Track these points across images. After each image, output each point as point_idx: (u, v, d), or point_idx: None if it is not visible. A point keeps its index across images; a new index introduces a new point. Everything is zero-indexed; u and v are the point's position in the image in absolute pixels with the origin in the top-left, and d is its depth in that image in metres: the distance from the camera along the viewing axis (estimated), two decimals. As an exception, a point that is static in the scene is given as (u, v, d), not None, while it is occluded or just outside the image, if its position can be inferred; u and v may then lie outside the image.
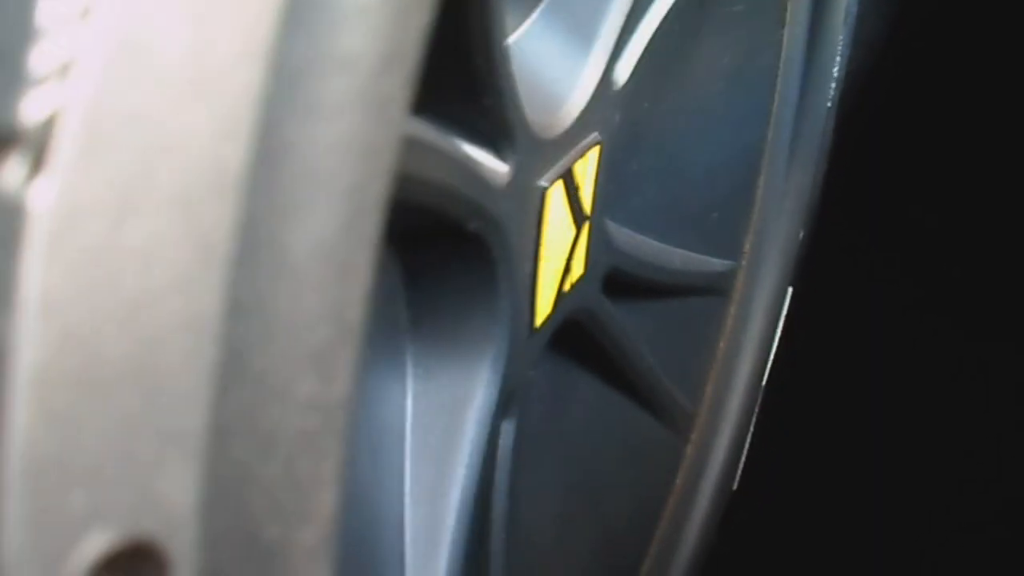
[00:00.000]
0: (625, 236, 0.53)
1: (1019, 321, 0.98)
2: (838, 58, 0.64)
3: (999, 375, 0.94)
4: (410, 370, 0.38)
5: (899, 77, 1.01)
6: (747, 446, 0.67)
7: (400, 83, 0.21)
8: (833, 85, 0.65)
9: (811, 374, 0.86)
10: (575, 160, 0.41)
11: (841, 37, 0.63)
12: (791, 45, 0.59)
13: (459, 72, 0.30)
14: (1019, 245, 1.01)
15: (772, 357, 0.69)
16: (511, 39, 0.39)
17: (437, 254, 0.35)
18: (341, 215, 0.17)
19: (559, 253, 0.42)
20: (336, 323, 0.18)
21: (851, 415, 0.90)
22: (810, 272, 0.74)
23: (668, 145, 0.56)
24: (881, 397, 0.92)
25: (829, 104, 0.66)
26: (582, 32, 0.41)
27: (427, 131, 0.28)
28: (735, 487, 0.67)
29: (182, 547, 0.15)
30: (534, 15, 0.40)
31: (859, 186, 0.95)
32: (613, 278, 0.51)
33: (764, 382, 0.68)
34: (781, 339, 0.70)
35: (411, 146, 0.28)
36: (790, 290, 0.70)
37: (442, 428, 0.38)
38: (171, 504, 0.15)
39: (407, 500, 0.38)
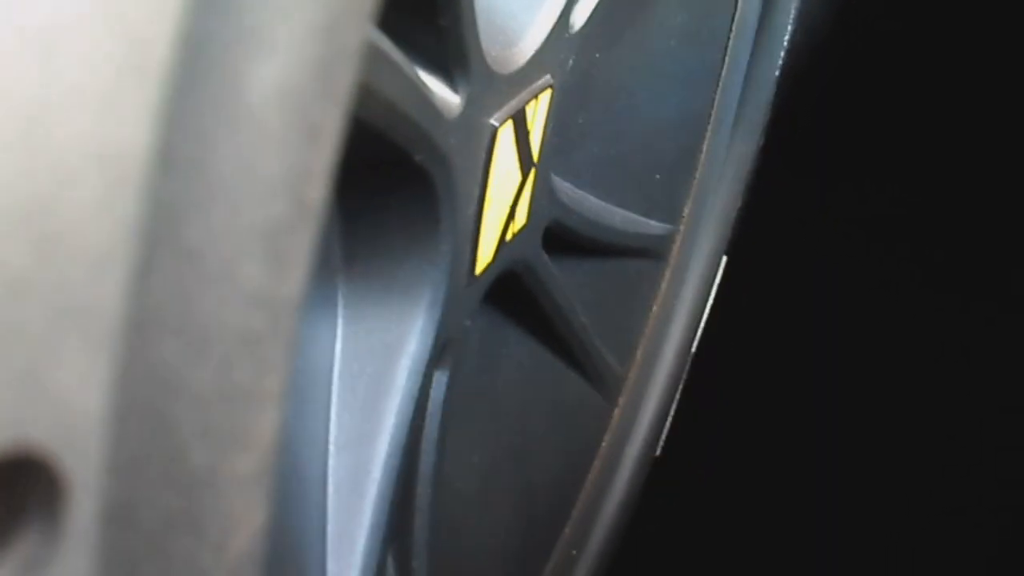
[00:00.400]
0: (568, 190, 0.52)
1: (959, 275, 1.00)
2: (790, 27, 0.63)
3: (929, 330, 0.95)
4: (340, 311, 0.36)
5: (842, 50, 1.02)
6: (672, 413, 0.66)
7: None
8: (783, 54, 0.64)
9: (738, 345, 0.87)
10: (527, 101, 0.39)
11: (794, 6, 0.62)
12: (745, 8, 0.58)
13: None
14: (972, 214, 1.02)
15: (703, 325, 0.68)
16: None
17: (378, 186, 0.33)
18: (311, 57, 0.14)
19: (504, 199, 0.40)
20: (294, 198, 0.15)
21: (779, 388, 0.91)
22: (746, 243, 0.73)
23: (616, 101, 0.55)
24: (812, 368, 0.93)
25: (777, 73, 0.65)
26: (541, -33, 0.39)
27: (383, 41, 0.26)
28: (658, 453, 0.67)
29: (82, 465, 0.12)
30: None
31: (801, 160, 0.96)
32: (553, 232, 0.49)
33: (694, 350, 0.68)
34: (712, 309, 0.69)
35: (368, 53, 0.26)
36: (724, 259, 0.69)
37: (372, 374, 0.36)
38: (68, 407, 0.11)
39: (331, 448, 0.36)
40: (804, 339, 0.94)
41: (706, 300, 0.67)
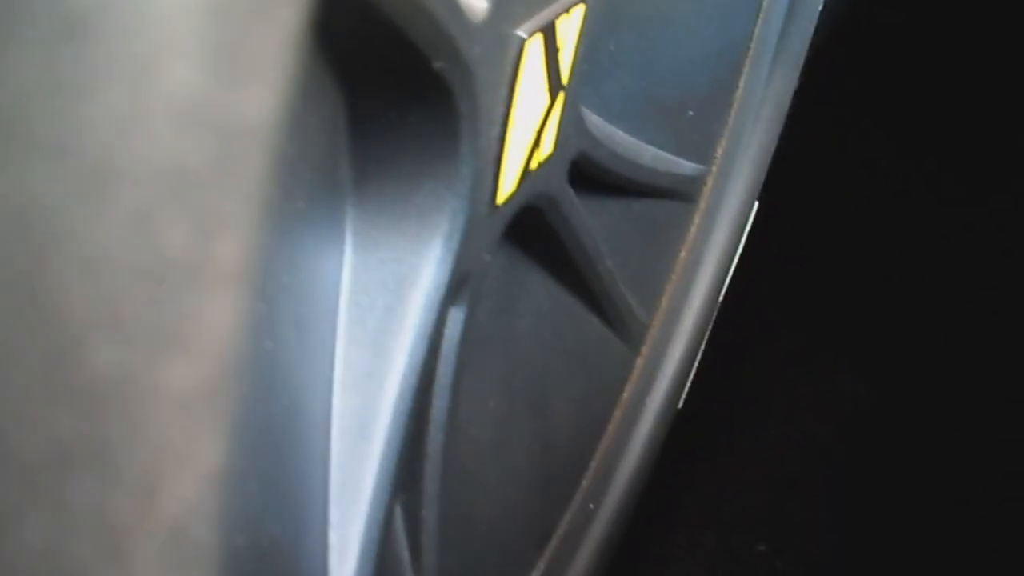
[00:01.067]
0: (597, 122, 0.48)
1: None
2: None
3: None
4: (349, 238, 0.33)
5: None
6: (696, 364, 0.63)
7: None
8: (826, -14, 0.60)
9: (768, 292, 0.83)
10: (558, 14, 0.35)
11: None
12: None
13: None
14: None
15: (732, 273, 0.65)
16: None
17: (393, 97, 0.30)
18: None
19: (530, 122, 0.36)
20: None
21: (809, 338, 0.88)
22: (778, 189, 0.70)
23: (650, 28, 0.51)
24: (840, 319, 0.90)
25: (820, 7, 0.61)
26: None
27: None
28: (681, 406, 0.64)
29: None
30: None
31: (835, 100, 0.91)
32: (580, 166, 0.46)
33: (721, 298, 0.65)
34: (742, 257, 0.66)
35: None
36: (756, 204, 0.66)
37: (382, 308, 0.33)
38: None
39: (336, 388, 0.33)
40: (834, 288, 0.91)
41: (736, 246, 0.64)
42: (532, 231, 0.45)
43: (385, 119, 0.31)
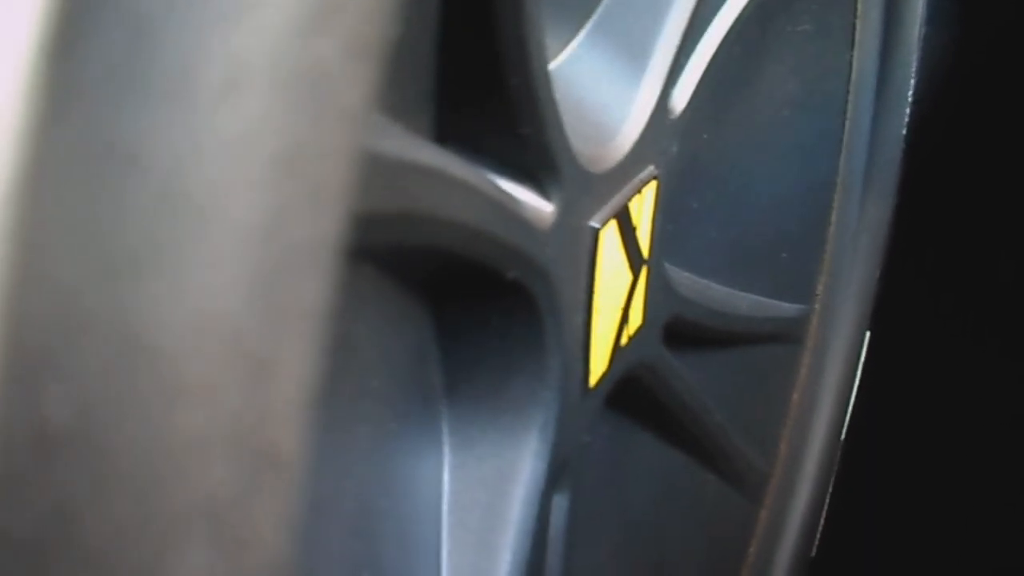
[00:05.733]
0: (687, 281, 0.48)
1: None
2: (912, 80, 0.59)
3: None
4: (447, 439, 0.34)
5: (968, 100, 0.95)
6: (826, 508, 0.60)
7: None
8: (908, 110, 0.60)
9: (893, 425, 0.80)
10: (630, 197, 0.36)
11: (915, 58, 0.58)
12: (862, 68, 0.54)
13: (492, 96, 0.26)
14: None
15: (851, 409, 0.63)
16: (555, 62, 0.34)
17: (474, 306, 0.31)
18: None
19: (615, 302, 0.37)
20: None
21: (939, 468, 0.83)
22: (888, 314, 0.68)
23: (731, 179, 0.51)
24: (972, 449, 0.85)
25: (904, 131, 0.61)
26: (634, 54, 0.37)
27: (452, 163, 0.24)
28: (814, 554, 0.61)
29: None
30: (581, 34, 0.35)
31: (934, 218, 0.89)
32: (675, 327, 0.46)
33: (843, 437, 0.62)
34: (859, 389, 0.64)
35: (432, 179, 0.24)
36: (868, 335, 0.64)
37: (484, 506, 0.33)
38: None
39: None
40: (961, 414, 0.86)
41: (852, 382, 0.62)
42: (633, 398, 0.45)
43: (469, 323, 0.31)
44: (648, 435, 0.49)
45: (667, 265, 0.44)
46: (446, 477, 0.34)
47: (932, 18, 0.86)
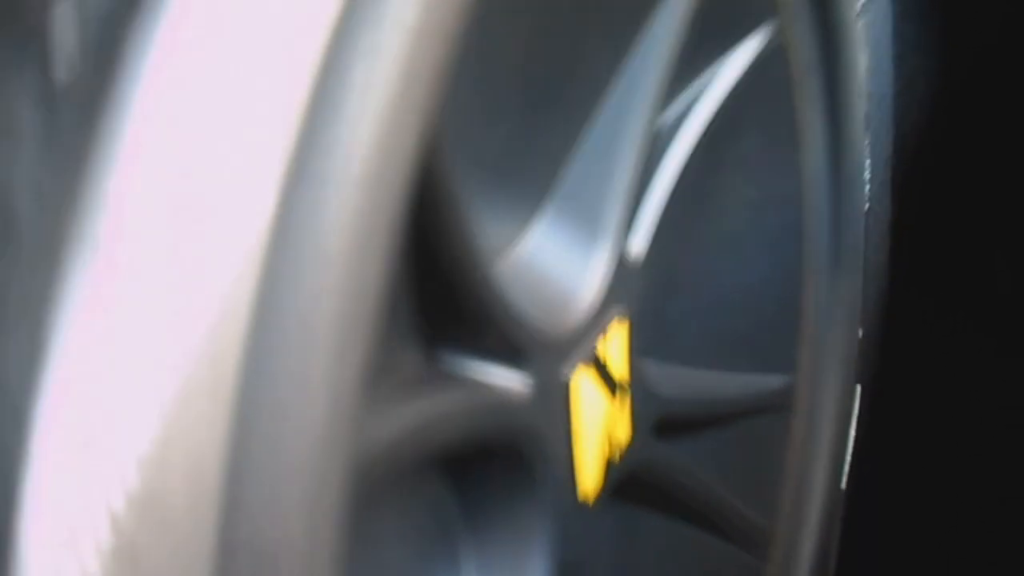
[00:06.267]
0: (673, 377, 0.55)
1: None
2: (867, 161, 0.65)
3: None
4: (469, 562, 0.41)
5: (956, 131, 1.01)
6: (834, 556, 0.66)
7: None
8: (867, 188, 0.66)
9: (895, 466, 0.85)
10: (598, 340, 0.43)
11: (866, 144, 0.64)
12: (813, 165, 0.60)
13: (453, 306, 0.33)
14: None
15: (849, 459, 0.69)
16: (518, 244, 0.42)
17: (475, 463, 0.38)
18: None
19: (598, 426, 0.44)
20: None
21: (945, 505, 0.88)
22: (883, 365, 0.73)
23: (704, 279, 0.58)
24: (977, 482, 0.90)
25: (867, 205, 0.67)
26: (590, 218, 0.44)
27: (445, 362, 0.31)
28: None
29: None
30: (541, 215, 0.43)
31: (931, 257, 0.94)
32: (666, 423, 0.52)
33: (843, 485, 0.68)
34: (860, 438, 0.70)
35: (431, 378, 0.31)
36: (859, 389, 0.70)
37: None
38: None
39: None
40: (961, 455, 0.91)
41: (846, 436, 0.68)
42: (635, 491, 0.52)
43: (473, 483, 0.39)
44: (653, 517, 0.55)
45: (653, 365, 0.51)
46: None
47: (917, 46, 0.93)
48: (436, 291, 0.32)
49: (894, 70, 0.73)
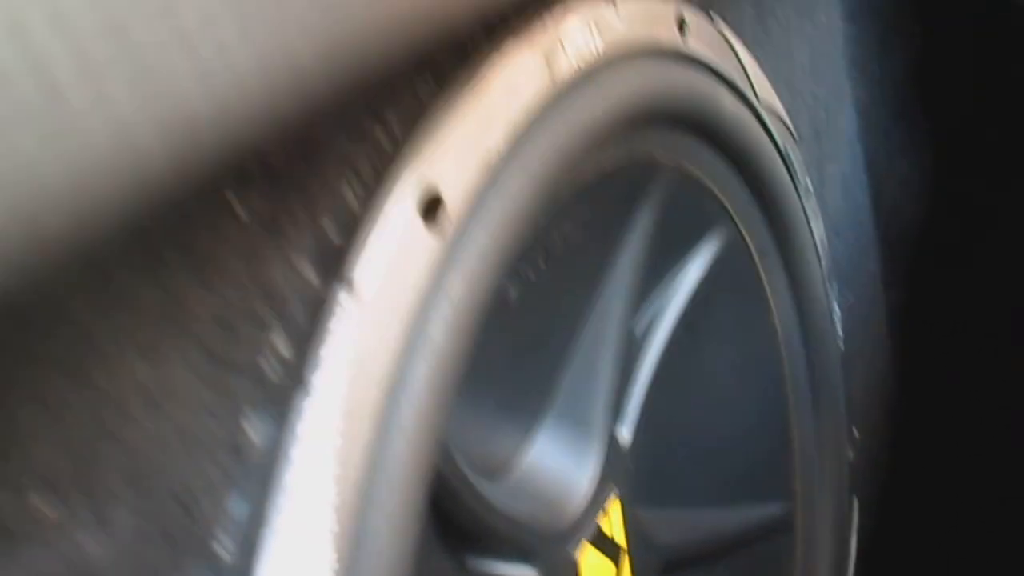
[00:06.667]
0: (676, 523, 0.64)
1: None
2: (836, 310, 0.74)
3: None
4: None
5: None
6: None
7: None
8: (839, 328, 0.75)
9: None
10: (598, 519, 0.53)
11: (831, 298, 0.74)
12: (785, 324, 0.70)
13: (472, 528, 0.43)
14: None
15: (853, 567, 0.77)
16: (525, 454, 0.52)
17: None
18: None
19: (605, 591, 0.53)
20: None
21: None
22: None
23: (695, 434, 0.67)
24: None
25: (840, 341, 0.76)
26: (581, 420, 0.54)
27: (470, 565, 0.41)
28: None
29: None
30: (541, 424, 0.53)
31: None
32: (671, 564, 0.61)
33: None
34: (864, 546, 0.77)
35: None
36: (856, 503, 0.78)
37: None
38: None
39: None
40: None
41: (847, 548, 0.76)
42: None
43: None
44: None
45: (655, 515, 0.60)
46: None
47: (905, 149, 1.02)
48: (460, 522, 0.42)
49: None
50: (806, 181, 0.68)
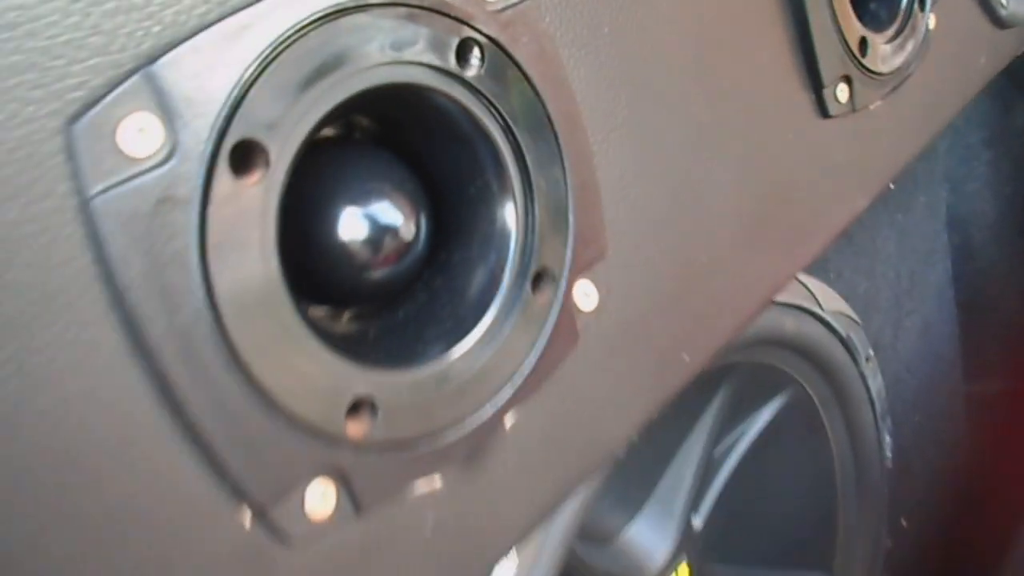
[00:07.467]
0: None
1: None
2: (887, 439, 0.99)
3: None
4: None
5: None
6: None
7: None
8: (888, 450, 1.00)
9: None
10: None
11: (882, 430, 0.98)
12: (840, 450, 0.96)
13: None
14: None
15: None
16: (625, 531, 0.81)
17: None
18: None
19: (670, 622, 0.83)
20: None
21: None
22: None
23: (757, 520, 0.95)
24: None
25: (888, 461, 1.01)
26: (669, 509, 0.83)
27: None
28: None
29: None
30: (638, 514, 0.82)
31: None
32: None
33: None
34: None
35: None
36: (886, 577, 1.03)
37: None
38: None
39: None
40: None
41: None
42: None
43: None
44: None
45: (715, 570, 0.89)
46: None
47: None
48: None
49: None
50: (867, 352, 0.93)
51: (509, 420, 0.38)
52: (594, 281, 0.40)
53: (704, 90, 0.47)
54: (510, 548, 0.40)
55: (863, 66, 0.58)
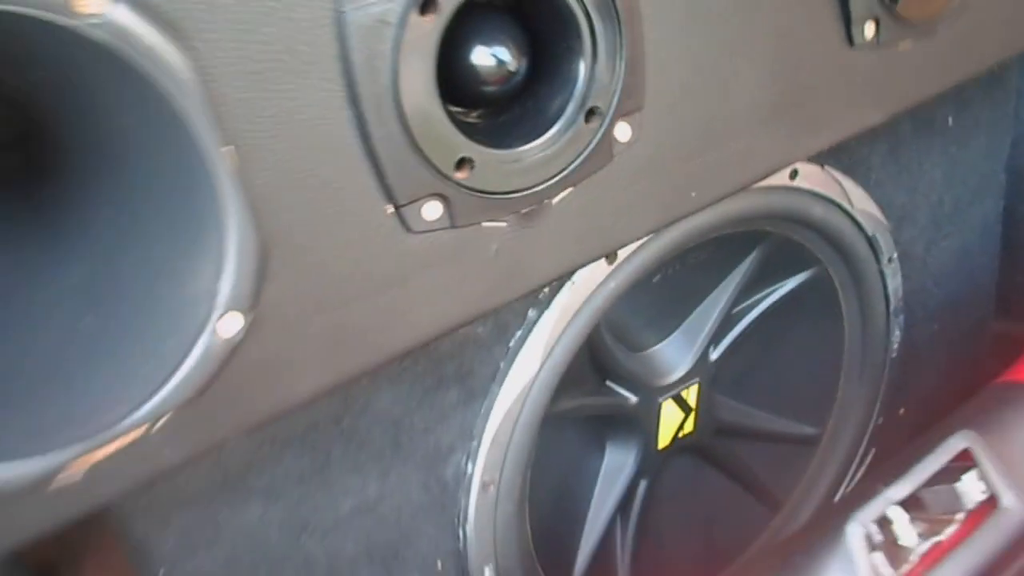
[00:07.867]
0: (733, 410, 1.14)
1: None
2: (896, 332, 1.17)
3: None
4: (605, 458, 1.05)
5: None
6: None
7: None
8: (897, 339, 1.18)
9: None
10: (682, 391, 1.04)
11: (892, 324, 1.16)
12: (851, 327, 1.14)
13: (615, 373, 0.97)
14: None
15: (848, 481, 1.23)
16: (654, 347, 1.03)
17: (612, 424, 1.02)
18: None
19: (673, 421, 1.06)
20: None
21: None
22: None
23: (768, 368, 1.15)
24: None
25: (893, 350, 1.19)
26: (693, 339, 1.04)
27: (607, 387, 0.96)
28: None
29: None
30: (673, 334, 1.04)
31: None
32: (722, 431, 1.12)
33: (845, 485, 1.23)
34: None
35: (600, 392, 0.96)
36: (872, 452, 1.23)
37: (610, 483, 1.05)
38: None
39: (588, 514, 1.05)
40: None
41: (850, 465, 1.22)
42: (689, 452, 1.12)
43: (607, 430, 1.03)
44: (705, 472, 1.16)
45: (720, 400, 1.10)
46: (601, 470, 1.05)
47: None
48: (602, 363, 0.96)
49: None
50: (891, 253, 1.10)
51: (556, 199, 0.60)
52: (631, 124, 0.61)
53: (743, 4, 0.66)
54: (540, 284, 0.62)
55: (894, 11, 0.74)
